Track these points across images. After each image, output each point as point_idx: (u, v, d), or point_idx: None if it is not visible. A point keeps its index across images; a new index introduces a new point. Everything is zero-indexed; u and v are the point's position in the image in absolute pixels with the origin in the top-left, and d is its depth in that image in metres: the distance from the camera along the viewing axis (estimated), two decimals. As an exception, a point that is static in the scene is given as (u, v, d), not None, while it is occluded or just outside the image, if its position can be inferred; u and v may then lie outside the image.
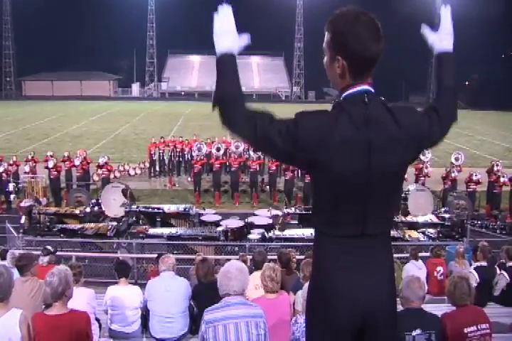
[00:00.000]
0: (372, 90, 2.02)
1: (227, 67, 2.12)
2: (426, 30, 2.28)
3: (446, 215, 13.18)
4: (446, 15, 2.29)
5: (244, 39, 2.12)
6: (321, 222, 2.09)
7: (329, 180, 1.97)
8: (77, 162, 16.93)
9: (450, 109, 2.23)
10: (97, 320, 5.50)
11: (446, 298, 4.45)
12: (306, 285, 4.01)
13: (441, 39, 2.27)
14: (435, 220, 12.90)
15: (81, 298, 5.03)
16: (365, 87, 2.01)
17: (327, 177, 1.97)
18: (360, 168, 1.94)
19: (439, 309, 4.91)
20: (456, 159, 17.33)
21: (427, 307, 4.37)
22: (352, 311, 2.01)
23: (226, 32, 2.09)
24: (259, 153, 17.97)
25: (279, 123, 1.97)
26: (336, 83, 2.09)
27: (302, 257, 7.26)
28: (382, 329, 2.07)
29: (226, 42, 2.09)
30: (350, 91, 2.01)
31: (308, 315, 2.20)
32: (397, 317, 2.18)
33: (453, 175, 16.39)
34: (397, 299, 2.31)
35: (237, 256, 8.11)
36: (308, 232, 11.44)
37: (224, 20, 2.09)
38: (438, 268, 7.71)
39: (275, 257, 6.88)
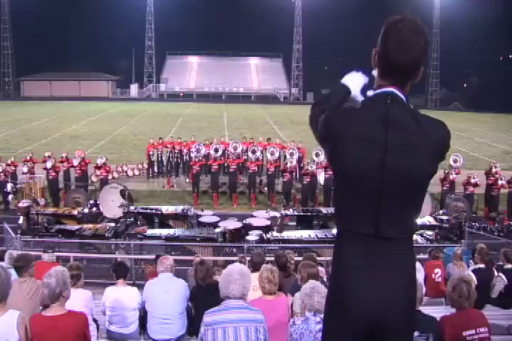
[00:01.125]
0: (399, 93, 2.08)
1: (339, 93, 2.34)
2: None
3: (445, 217, 13.20)
4: None
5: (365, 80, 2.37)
6: (339, 218, 2.17)
7: (343, 174, 2.07)
8: (75, 162, 16.91)
9: None
10: (95, 321, 5.50)
11: (444, 299, 4.46)
12: (304, 286, 4.03)
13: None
14: (433, 222, 12.91)
15: (79, 299, 5.02)
16: (391, 89, 2.08)
17: (341, 171, 2.08)
18: (372, 166, 1.98)
19: (437, 311, 4.92)
20: (455, 161, 17.34)
21: (425, 310, 4.38)
22: (359, 312, 2.03)
23: (356, 78, 2.35)
24: (258, 155, 18.02)
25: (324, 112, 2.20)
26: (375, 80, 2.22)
27: (300, 259, 7.26)
28: (394, 333, 2.06)
29: (351, 81, 2.35)
30: (378, 91, 2.12)
31: (326, 311, 2.24)
32: (414, 324, 2.19)
33: (451, 177, 16.40)
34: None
35: (236, 258, 8.11)
36: (307, 234, 11.47)
37: (358, 76, 2.36)
38: (436, 270, 7.72)
39: (273, 259, 6.87)
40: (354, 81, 2.32)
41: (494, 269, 6.88)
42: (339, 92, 2.32)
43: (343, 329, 2.09)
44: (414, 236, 11.70)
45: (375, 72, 2.19)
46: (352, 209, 2.06)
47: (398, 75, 2.08)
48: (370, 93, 2.20)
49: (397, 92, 2.07)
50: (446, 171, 16.72)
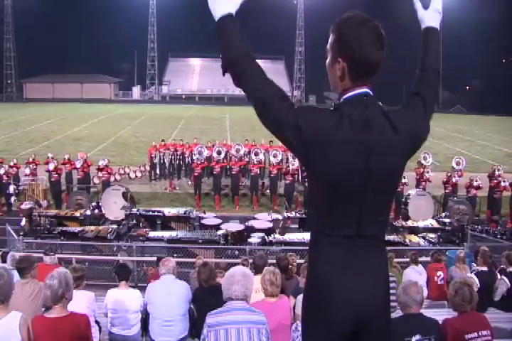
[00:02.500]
0: (371, 93, 2.05)
1: (228, 28, 2.07)
2: (417, 5, 2.36)
3: (447, 220, 13.19)
4: (439, 1, 2.37)
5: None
6: (316, 221, 2.11)
7: (325, 178, 1.99)
8: (77, 164, 16.95)
9: (434, 93, 2.28)
10: (97, 322, 5.50)
11: (446, 302, 4.46)
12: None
13: (430, 16, 2.35)
14: (436, 225, 12.91)
15: (81, 301, 5.03)
16: (365, 89, 2.04)
17: (323, 175, 1.99)
18: (357, 171, 1.95)
19: (439, 314, 4.91)
20: (457, 164, 17.34)
21: (428, 313, 4.37)
22: (346, 312, 2.02)
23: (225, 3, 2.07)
24: (260, 157, 18.02)
25: (288, 100, 2.01)
26: (335, 85, 2.13)
27: (302, 261, 7.26)
28: (375, 331, 2.08)
29: (223, 5, 2.06)
30: (350, 93, 2.04)
31: (304, 315, 2.21)
32: (390, 320, 2.20)
33: (454, 179, 16.40)
34: (395, 303, 2.32)
35: (238, 260, 8.12)
36: (309, 236, 11.42)
37: None
38: (438, 273, 7.71)
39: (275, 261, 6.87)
40: (222, 1, 2.06)
41: (497, 272, 6.87)
42: (227, 28, 2.07)
43: (326, 331, 2.07)
44: (417, 239, 11.71)
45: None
46: (332, 212, 2.03)
47: (372, 74, 2.04)
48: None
49: (370, 92, 2.04)
50: (449, 174, 16.71)
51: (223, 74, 2.05)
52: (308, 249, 2.21)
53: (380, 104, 2.07)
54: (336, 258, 2.05)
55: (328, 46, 2.11)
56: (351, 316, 2.02)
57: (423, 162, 16.99)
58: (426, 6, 2.33)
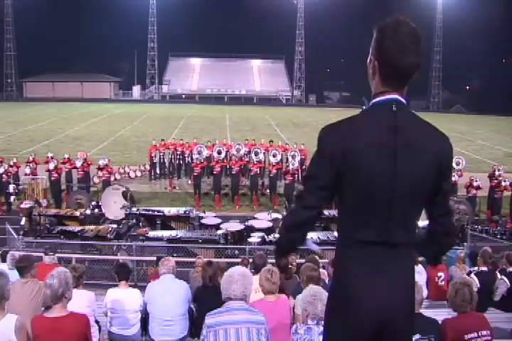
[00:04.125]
0: (403, 100, 2.07)
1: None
2: None
3: (447, 220, 13.16)
4: None
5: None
6: (345, 225, 2.14)
7: (354, 184, 2.02)
8: (77, 164, 16.94)
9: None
10: (97, 322, 5.50)
11: (446, 302, 4.45)
12: (305, 293, 4.01)
13: None
14: (435, 225, 12.89)
15: (81, 301, 5.02)
16: (395, 96, 2.06)
17: (352, 181, 2.02)
18: (385, 174, 1.97)
19: (439, 314, 4.91)
20: (457, 164, 17.33)
21: (428, 313, 4.37)
22: (370, 316, 2.04)
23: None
24: (260, 157, 18.03)
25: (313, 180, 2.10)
26: (371, 86, 2.15)
27: (302, 261, 7.25)
28: (398, 335, 2.10)
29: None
30: (380, 98, 2.07)
31: (328, 317, 2.23)
32: (414, 325, 2.21)
33: (453, 179, 16.38)
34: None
35: (238, 260, 8.11)
36: (309, 236, 11.44)
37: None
38: (439, 274, 7.70)
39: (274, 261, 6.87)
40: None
41: (497, 272, 6.86)
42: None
43: (348, 336, 2.09)
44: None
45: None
46: (361, 218, 2.05)
47: (402, 79, 2.06)
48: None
49: (401, 99, 2.06)
50: (449, 174, 16.69)
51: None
52: (335, 252, 2.23)
53: (412, 111, 2.09)
54: (363, 263, 2.06)
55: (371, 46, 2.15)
56: (374, 320, 2.05)
57: (455, 167, 16.98)
58: None
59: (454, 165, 17.27)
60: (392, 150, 1.97)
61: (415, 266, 7.33)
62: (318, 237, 11.33)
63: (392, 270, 2.07)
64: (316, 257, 6.91)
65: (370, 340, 2.09)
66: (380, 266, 2.05)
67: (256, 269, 6.03)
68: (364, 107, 2.13)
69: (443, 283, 7.60)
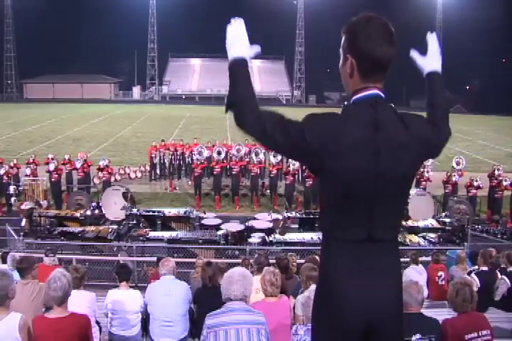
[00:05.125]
0: (383, 95, 2.07)
1: (239, 70, 2.14)
2: (415, 54, 2.39)
3: (447, 220, 13.20)
4: (432, 41, 2.40)
5: (256, 48, 2.19)
6: (328, 224, 2.12)
7: (337, 182, 2.00)
8: (78, 165, 16.95)
9: (444, 124, 2.29)
10: (98, 323, 5.50)
11: (446, 302, 4.45)
12: (306, 295, 4.02)
13: (429, 62, 2.38)
14: (436, 225, 12.92)
15: (82, 301, 5.03)
16: (375, 91, 2.06)
17: (335, 179, 2.00)
18: (368, 171, 1.97)
19: (440, 314, 4.91)
20: (457, 163, 17.33)
21: (428, 312, 4.37)
22: (357, 315, 2.03)
23: (238, 40, 2.15)
24: (261, 157, 18.02)
25: (288, 124, 2.02)
26: (347, 86, 2.14)
27: (303, 261, 7.26)
28: (387, 334, 2.09)
29: (238, 49, 2.15)
30: (360, 95, 2.06)
31: (315, 317, 2.21)
32: (403, 323, 2.20)
33: (454, 179, 16.38)
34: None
35: (239, 260, 8.11)
36: (309, 236, 11.46)
37: (236, 29, 2.17)
38: (439, 273, 7.71)
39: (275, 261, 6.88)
40: (239, 44, 2.13)
41: (497, 272, 6.86)
42: (238, 71, 2.12)
43: (336, 335, 2.07)
44: (417, 239, 11.70)
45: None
46: (344, 216, 2.04)
47: (381, 70, 2.06)
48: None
49: (381, 94, 2.06)
50: (449, 173, 16.70)
51: (226, 112, 2.15)
52: (320, 252, 2.22)
53: (393, 105, 2.09)
54: (347, 261, 2.05)
55: (340, 49, 2.14)
56: (362, 320, 2.03)
57: (455, 166, 16.99)
58: (423, 53, 2.40)
59: (454, 164, 17.29)
60: (375, 148, 1.96)
61: (416, 266, 7.35)
62: (319, 237, 11.34)
63: (378, 267, 2.06)
64: (317, 257, 6.90)
65: (359, 340, 2.08)
66: (365, 263, 2.04)
67: (257, 270, 6.03)
68: (345, 103, 2.10)
69: (443, 282, 7.61)
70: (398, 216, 2.16)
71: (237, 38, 2.15)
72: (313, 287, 4.22)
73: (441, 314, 4.97)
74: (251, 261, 7.56)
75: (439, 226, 12.86)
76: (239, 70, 2.13)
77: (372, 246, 2.05)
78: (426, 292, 6.90)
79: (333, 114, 2.05)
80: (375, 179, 1.97)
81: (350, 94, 2.11)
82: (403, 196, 2.13)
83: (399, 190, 2.07)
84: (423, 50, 2.39)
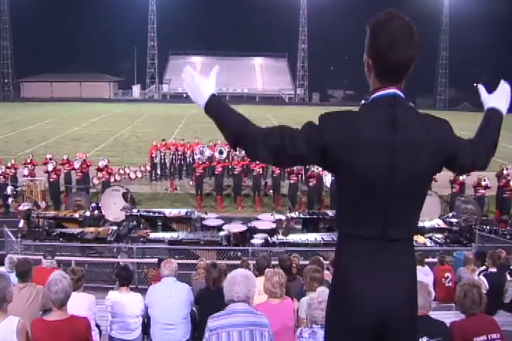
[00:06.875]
0: (402, 94, 2.08)
1: (218, 110, 2.16)
2: (481, 90, 2.46)
3: (454, 220, 13.16)
4: (505, 85, 2.48)
5: (213, 70, 2.25)
6: (344, 222, 2.15)
7: (353, 179, 2.03)
8: (76, 165, 16.97)
9: (485, 152, 2.29)
10: (97, 326, 5.50)
11: (454, 305, 4.44)
12: (313, 297, 4.00)
13: (495, 99, 2.43)
14: (442, 225, 12.89)
15: (81, 304, 5.03)
16: (393, 90, 2.07)
17: (351, 176, 2.04)
18: (384, 170, 1.99)
19: (447, 316, 4.89)
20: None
21: (435, 315, 4.36)
22: (372, 314, 2.05)
23: (196, 90, 2.19)
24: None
25: (301, 132, 2.05)
26: (370, 84, 2.17)
27: (306, 262, 7.25)
28: (400, 334, 2.10)
29: (202, 95, 2.18)
30: (378, 94, 2.09)
31: (328, 315, 2.24)
32: (416, 323, 2.21)
33: (461, 178, 16.32)
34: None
35: (239, 261, 8.10)
36: (313, 237, 11.45)
37: (190, 80, 2.20)
38: (446, 275, 7.69)
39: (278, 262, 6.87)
40: (199, 90, 2.17)
41: (507, 274, 6.84)
42: (217, 111, 2.14)
43: (349, 333, 2.09)
44: (423, 240, 11.69)
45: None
46: (358, 213, 2.07)
47: (397, 75, 2.08)
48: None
49: (400, 93, 2.08)
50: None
51: (235, 150, 2.18)
52: (335, 249, 2.24)
53: (412, 104, 2.11)
54: (362, 259, 2.08)
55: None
56: (374, 319, 2.05)
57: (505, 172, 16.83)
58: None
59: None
60: (391, 147, 1.99)
61: (422, 267, 7.33)
62: (322, 238, 11.34)
63: (393, 266, 2.08)
64: (321, 258, 6.89)
65: (372, 340, 2.09)
66: (379, 262, 2.07)
67: (259, 271, 6.02)
68: (363, 102, 2.13)
69: (450, 284, 7.59)
70: (414, 215, 2.16)
71: (195, 89, 2.18)
72: (320, 289, 4.21)
73: (448, 316, 4.96)
74: (250, 262, 7.57)
75: (445, 226, 12.83)
76: (216, 111, 2.15)
77: (387, 245, 2.07)
78: (433, 294, 6.89)
79: (349, 112, 2.08)
80: (391, 177, 2.00)
81: (370, 91, 2.14)
82: (420, 195, 2.13)
83: (415, 189, 2.08)
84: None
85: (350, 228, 2.10)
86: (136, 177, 20.91)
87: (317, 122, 2.07)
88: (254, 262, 7.23)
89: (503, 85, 2.44)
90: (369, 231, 2.06)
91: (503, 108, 2.41)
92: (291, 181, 16.43)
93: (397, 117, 2.01)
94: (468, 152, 2.19)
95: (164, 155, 20.92)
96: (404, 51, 2.01)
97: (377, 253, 2.07)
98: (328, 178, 16.60)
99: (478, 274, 6.85)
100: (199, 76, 2.19)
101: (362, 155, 1.98)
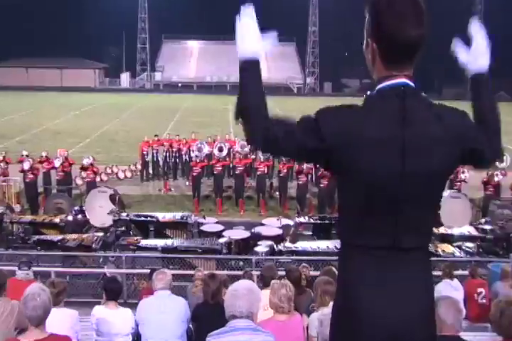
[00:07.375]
0: (412, 84, 2.05)
1: (250, 75, 2.16)
2: (458, 48, 2.31)
3: (488, 227, 13.10)
4: (477, 32, 2.29)
5: (271, 38, 2.24)
6: (347, 230, 2.13)
7: (357, 182, 2.01)
8: (57, 163, 16.97)
9: (498, 137, 2.25)
10: (81, 345, 5.49)
11: (489, 325, 4.40)
12: (325, 313, 3.99)
13: (474, 59, 2.29)
14: (474, 233, 12.84)
15: (63, 321, 5.01)
16: (402, 80, 2.04)
17: (355, 179, 2.01)
18: (392, 170, 1.97)
19: (481, 339, 4.86)
20: (500, 161, 17.22)
21: (466, 336, 4.33)
22: (379, 333, 2.03)
23: (250, 35, 2.15)
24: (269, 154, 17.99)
25: (301, 125, 2.04)
26: (372, 73, 2.14)
27: (317, 273, 7.23)
28: None
29: (250, 46, 2.15)
30: (384, 84, 2.05)
31: (332, 334, 2.22)
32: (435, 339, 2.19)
33: (496, 179, 16.27)
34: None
35: (241, 272, 8.10)
36: (324, 245, 11.46)
37: (247, 22, 2.15)
38: (479, 290, 7.65)
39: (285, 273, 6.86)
40: (250, 40, 2.14)
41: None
42: (249, 77, 2.15)
43: None
44: (452, 249, 11.66)
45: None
46: (365, 221, 2.05)
47: (407, 57, 2.04)
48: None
49: (410, 82, 2.05)
50: (490, 173, 16.58)
51: (236, 119, 2.15)
52: (338, 261, 2.23)
53: (424, 95, 2.08)
54: (369, 272, 2.06)
55: (364, 29, 2.13)
56: (377, 336, 2.03)
57: (497, 165, 16.85)
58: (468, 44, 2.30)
59: (496, 163, 17.16)
60: (400, 147, 1.96)
61: (450, 281, 7.28)
62: (335, 246, 11.32)
63: (405, 279, 2.06)
64: (333, 269, 6.88)
65: None
66: (389, 274, 2.05)
67: (264, 283, 6.01)
68: (368, 93, 2.09)
69: (484, 301, 7.54)
70: (429, 221, 2.14)
71: (247, 31, 2.15)
72: (332, 303, 4.20)
73: (482, 339, 4.93)
74: (253, 273, 7.57)
75: (477, 234, 12.79)
76: (250, 74, 2.16)
77: (398, 255, 2.05)
78: (463, 312, 6.86)
79: (352, 106, 2.05)
80: (400, 179, 1.97)
81: (376, 81, 2.10)
82: (434, 198, 2.12)
83: (428, 191, 2.06)
84: (466, 41, 2.31)
85: (354, 237, 2.08)
86: (126, 177, 20.95)
87: (314, 118, 2.04)
88: (259, 273, 7.23)
89: (478, 36, 2.27)
90: (377, 239, 2.03)
91: (486, 65, 2.29)
92: (300, 182, 16.42)
93: (407, 111, 1.98)
94: (486, 144, 2.16)
95: (157, 153, 20.95)
96: (415, 28, 1.97)
97: (386, 264, 2.04)
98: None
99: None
100: (257, 28, 2.16)
101: (367, 155, 1.95)
